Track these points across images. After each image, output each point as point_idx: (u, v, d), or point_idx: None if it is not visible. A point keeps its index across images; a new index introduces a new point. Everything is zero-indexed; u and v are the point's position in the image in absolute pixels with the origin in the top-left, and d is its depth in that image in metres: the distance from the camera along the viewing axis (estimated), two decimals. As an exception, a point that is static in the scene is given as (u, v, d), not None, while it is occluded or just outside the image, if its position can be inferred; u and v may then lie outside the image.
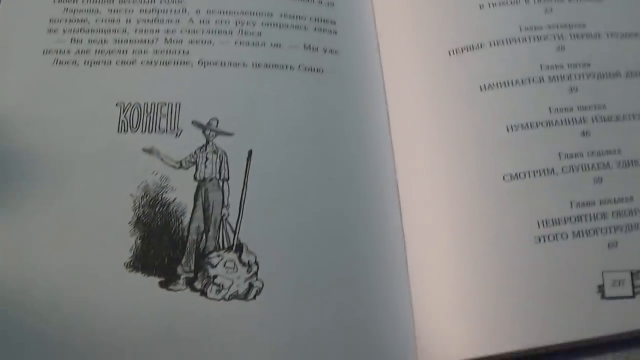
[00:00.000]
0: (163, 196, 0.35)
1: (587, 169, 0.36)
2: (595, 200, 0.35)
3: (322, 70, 0.39)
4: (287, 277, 0.35)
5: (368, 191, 0.37)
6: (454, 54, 0.39)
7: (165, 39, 0.39)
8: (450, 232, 0.35)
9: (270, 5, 0.40)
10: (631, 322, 0.33)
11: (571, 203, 0.35)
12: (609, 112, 0.37)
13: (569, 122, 0.37)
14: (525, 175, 0.36)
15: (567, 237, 0.34)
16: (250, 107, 0.38)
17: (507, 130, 0.37)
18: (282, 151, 0.37)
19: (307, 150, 0.37)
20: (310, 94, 0.38)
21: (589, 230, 0.35)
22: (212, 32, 0.39)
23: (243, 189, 0.36)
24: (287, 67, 0.39)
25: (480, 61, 0.38)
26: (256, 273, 0.34)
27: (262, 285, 0.34)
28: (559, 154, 0.36)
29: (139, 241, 0.34)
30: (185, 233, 0.35)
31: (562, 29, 0.39)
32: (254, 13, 0.40)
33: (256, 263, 0.35)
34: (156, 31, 0.39)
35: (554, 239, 0.34)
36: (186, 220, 0.35)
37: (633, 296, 0.34)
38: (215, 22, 0.39)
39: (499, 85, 0.38)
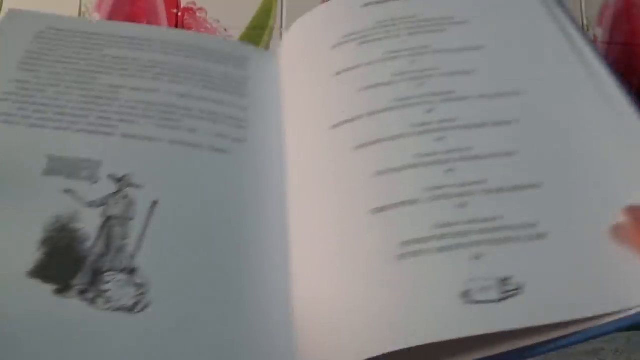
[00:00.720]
0: (71, 225, 0.40)
1: (450, 197, 0.40)
2: (459, 221, 0.38)
3: (229, 152, 0.46)
4: (173, 298, 0.38)
5: (256, 236, 0.42)
6: (335, 127, 0.45)
7: (97, 116, 0.46)
8: (327, 260, 0.40)
9: (190, 104, 0.48)
10: (496, 325, 0.35)
11: (434, 225, 0.38)
12: (475, 153, 0.42)
13: (435, 164, 0.41)
14: (390, 207, 0.40)
15: (430, 252, 0.37)
16: (160, 171, 0.44)
17: (377, 174, 0.42)
18: (183, 205, 0.43)
19: (204, 207, 0.43)
20: (214, 167, 0.45)
21: (452, 246, 0.37)
22: (137, 115, 0.47)
23: (144, 228, 0.41)
24: (198, 146, 0.46)
25: (356, 128, 0.45)
26: (144, 293, 0.38)
27: (150, 302, 0.38)
28: (424, 188, 0.40)
29: (43, 256, 0.39)
30: (87, 255, 0.39)
31: (432, 96, 0.45)
32: (176, 107, 0.48)
33: (146, 285, 0.39)
34: (90, 110, 0.46)
35: (417, 255, 0.37)
36: (89, 244, 0.40)
37: (498, 301, 0.35)
38: (142, 109, 0.47)
39: (370, 144, 0.43)
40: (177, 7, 0.69)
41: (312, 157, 0.45)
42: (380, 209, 0.40)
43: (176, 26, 0.68)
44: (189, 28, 0.68)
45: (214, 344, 0.37)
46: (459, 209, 0.39)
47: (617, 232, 0.38)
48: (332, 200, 0.42)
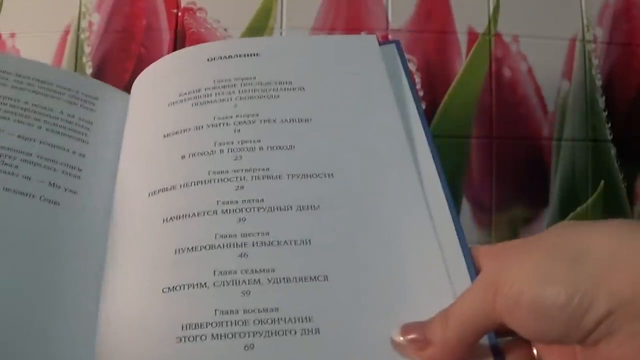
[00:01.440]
0: None
1: (238, 283, 0.41)
2: (239, 309, 0.40)
3: (59, 204, 0.49)
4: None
5: (69, 298, 0.45)
6: (152, 195, 0.47)
7: (-64, 156, 0.49)
8: (126, 332, 0.42)
9: (31, 147, 0.51)
10: None
11: (215, 311, 0.40)
12: (272, 238, 0.42)
13: (230, 246, 0.42)
14: (181, 287, 0.42)
15: (205, 338, 0.39)
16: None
17: (175, 252, 0.43)
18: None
19: (20, 265, 0.45)
20: (41, 221, 0.48)
21: (228, 334, 0.39)
22: (-21, 159, 0.50)
23: None
24: (30, 195, 0.49)
25: (168, 199, 0.46)
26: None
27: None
28: (214, 271, 0.41)
29: None
30: None
31: (246, 172, 0.45)
32: (17, 151, 0.50)
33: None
34: None
35: (194, 340, 0.39)
36: None
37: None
38: (-16, 151, 0.50)
39: (178, 217, 0.45)
40: (177, 7, 0.71)
41: (129, 222, 0.47)
42: (172, 289, 0.42)
43: (176, 26, 0.70)
44: (189, 28, 0.70)
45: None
46: (242, 297, 0.40)
47: (395, 347, 0.40)
48: (137, 273, 0.44)
